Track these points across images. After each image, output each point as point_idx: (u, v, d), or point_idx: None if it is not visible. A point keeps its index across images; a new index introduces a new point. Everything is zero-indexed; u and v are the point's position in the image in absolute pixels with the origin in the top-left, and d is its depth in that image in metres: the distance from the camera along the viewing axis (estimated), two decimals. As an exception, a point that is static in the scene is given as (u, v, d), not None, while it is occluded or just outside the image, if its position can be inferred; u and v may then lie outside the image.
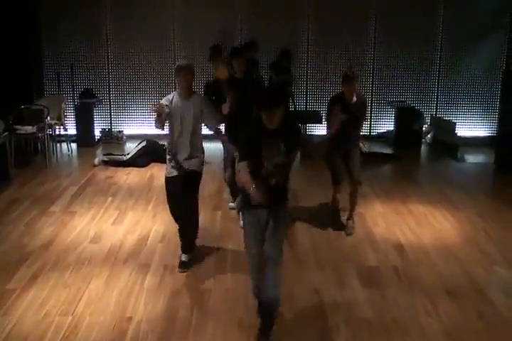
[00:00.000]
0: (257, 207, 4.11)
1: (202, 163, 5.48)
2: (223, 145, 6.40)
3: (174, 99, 5.36)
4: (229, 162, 6.63)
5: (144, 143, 9.05)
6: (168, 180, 5.44)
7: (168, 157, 5.42)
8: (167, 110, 5.20)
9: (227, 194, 7.52)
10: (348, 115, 5.89)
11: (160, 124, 5.24)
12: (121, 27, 10.52)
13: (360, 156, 6.45)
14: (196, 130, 5.39)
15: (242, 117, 5.86)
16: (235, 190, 6.80)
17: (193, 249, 5.55)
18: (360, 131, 6.70)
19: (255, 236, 4.18)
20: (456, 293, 4.90)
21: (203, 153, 5.50)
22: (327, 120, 6.40)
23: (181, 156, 5.35)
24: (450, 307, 4.65)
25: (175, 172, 5.37)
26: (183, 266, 5.35)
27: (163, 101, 5.35)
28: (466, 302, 4.74)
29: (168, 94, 5.59)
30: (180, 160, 5.35)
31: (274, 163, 4.09)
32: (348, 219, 6.48)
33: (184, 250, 5.45)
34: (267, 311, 4.16)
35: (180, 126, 5.32)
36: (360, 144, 6.80)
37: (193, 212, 5.50)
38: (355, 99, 6.28)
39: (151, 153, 8.98)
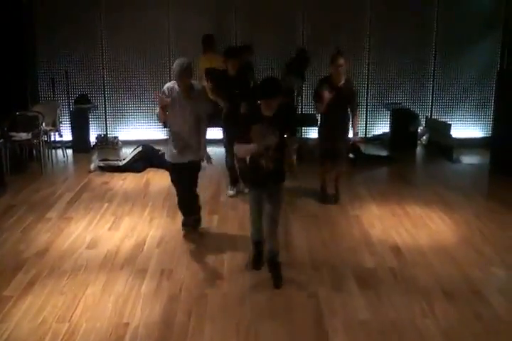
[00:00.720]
0: (256, 185, 4.99)
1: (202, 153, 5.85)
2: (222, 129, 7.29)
3: (175, 90, 5.64)
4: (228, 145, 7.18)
5: (139, 149, 9.04)
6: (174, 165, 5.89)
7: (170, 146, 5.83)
8: (168, 99, 5.55)
9: (224, 198, 7.54)
10: (336, 95, 6.28)
11: (162, 117, 5.64)
12: (116, 33, 10.52)
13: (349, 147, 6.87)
14: (196, 122, 5.73)
15: (235, 112, 6.75)
16: (234, 174, 7.52)
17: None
18: (350, 117, 7.07)
19: (257, 205, 5.09)
20: (453, 294, 4.90)
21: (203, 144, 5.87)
22: (314, 100, 6.68)
23: (180, 147, 5.74)
24: (447, 309, 4.65)
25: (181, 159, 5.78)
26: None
27: (165, 89, 5.69)
28: (464, 304, 4.74)
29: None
30: (179, 150, 5.76)
31: (266, 145, 4.74)
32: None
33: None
34: (272, 259, 5.12)
35: (182, 118, 5.66)
36: (358, 139, 7.08)
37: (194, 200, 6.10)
38: (343, 81, 6.47)
39: (146, 158, 8.99)
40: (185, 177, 5.89)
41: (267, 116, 4.79)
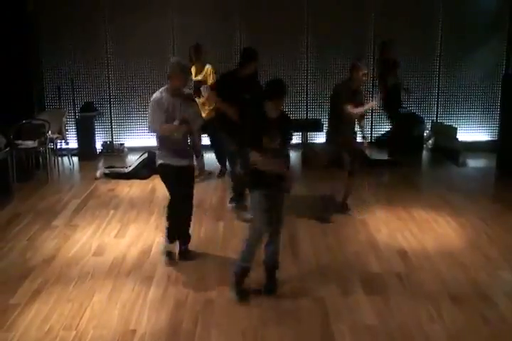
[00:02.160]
0: (263, 189, 4.83)
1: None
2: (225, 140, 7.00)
3: (164, 96, 5.51)
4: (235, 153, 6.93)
5: (145, 155, 9.05)
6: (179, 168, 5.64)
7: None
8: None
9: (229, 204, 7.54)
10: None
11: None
12: (121, 40, 10.55)
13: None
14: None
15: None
16: (237, 184, 7.14)
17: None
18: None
19: (266, 216, 4.86)
20: (461, 298, 4.88)
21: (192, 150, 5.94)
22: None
23: (171, 151, 5.54)
24: (454, 313, 4.63)
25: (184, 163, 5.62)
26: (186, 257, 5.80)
27: (156, 97, 5.50)
28: (471, 308, 4.72)
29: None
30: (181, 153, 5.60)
31: (271, 147, 4.76)
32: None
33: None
34: (270, 272, 5.05)
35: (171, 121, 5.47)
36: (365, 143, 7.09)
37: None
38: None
39: (152, 164, 8.97)
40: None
41: (272, 118, 4.81)
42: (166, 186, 5.71)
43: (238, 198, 7.18)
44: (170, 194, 5.70)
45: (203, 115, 7.20)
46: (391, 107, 9.90)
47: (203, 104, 8.17)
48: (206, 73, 8.60)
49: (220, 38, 10.48)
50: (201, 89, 8.28)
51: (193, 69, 8.36)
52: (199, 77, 8.60)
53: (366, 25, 10.75)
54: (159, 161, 5.61)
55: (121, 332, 4.41)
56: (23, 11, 9.67)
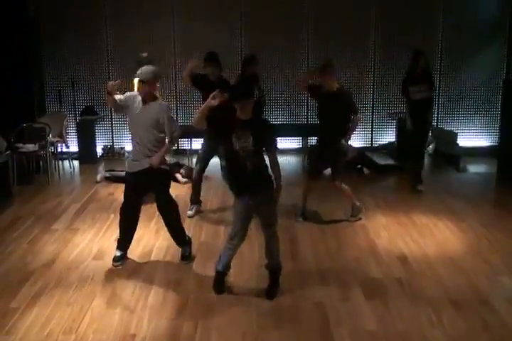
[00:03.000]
0: (243, 194, 4.82)
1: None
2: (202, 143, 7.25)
3: (137, 100, 5.58)
4: (201, 158, 7.22)
5: None
6: (127, 175, 5.74)
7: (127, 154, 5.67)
8: (119, 96, 5.62)
9: (229, 208, 7.53)
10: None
11: (110, 103, 5.66)
12: (122, 44, 10.57)
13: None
14: (153, 136, 5.51)
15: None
16: (197, 189, 7.33)
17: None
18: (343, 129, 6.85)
19: (242, 219, 4.92)
20: (461, 303, 4.87)
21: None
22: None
23: (134, 157, 5.60)
24: (455, 319, 4.63)
25: (134, 168, 5.61)
26: (185, 259, 5.83)
27: (127, 94, 5.72)
28: (471, 313, 4.71)
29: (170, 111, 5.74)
30: (134, 159, 5.61)
31: (242, 147, 4.66)
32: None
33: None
34: (274, 275, 5.11)
35: (138, 129, 5.53)
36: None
37: (167, 208, 5.85)
38: (335, 89, 6.71)
39: None
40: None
41: (243, 120, 4.69)
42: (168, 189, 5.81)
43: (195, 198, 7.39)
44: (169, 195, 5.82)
45: None
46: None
47: None
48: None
49: (221, 40, 10.48)
50: None
51: None
52: None
53: (367, 29, 10.76)
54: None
55: (121, 336, 4.40)
56: (25, 14, 9.69)
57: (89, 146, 10.32)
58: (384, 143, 11.10)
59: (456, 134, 10.18)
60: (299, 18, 10.68)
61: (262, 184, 4.86)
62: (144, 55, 9.52)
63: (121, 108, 5.66)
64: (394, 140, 10.82)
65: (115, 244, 6.01)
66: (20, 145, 8.78)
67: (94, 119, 10.51)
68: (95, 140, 10.47)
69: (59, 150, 9.99)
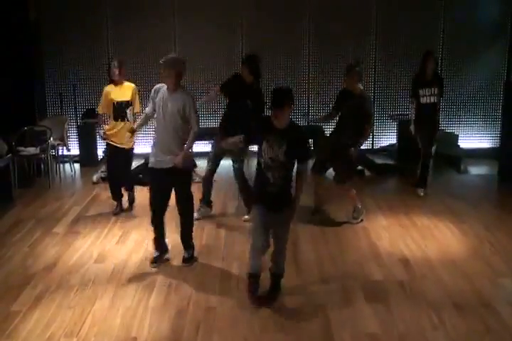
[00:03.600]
0: (265, 203, 4.74)
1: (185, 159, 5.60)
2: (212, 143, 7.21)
3: (162, 90, 5.59)
4: (212, 159, 7.12)
5: (142, 161, 8.96)
6: (151, 170, 5.71)
7: (152, 148, 5.69)
8: (148, 109, 5.81)
9: (231, 209, 7.54)
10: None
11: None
12: (123, 47, 10.56)
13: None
14: (178, 125, 5.51)
15: (236, 118, 6.66)
16: (208, 188, 7.29)
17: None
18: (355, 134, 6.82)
19: (262, 233, 4.79)
20: (463, 306, 4.87)
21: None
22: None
23: (162, 151, 5.56)
24: (457, 321, 4.62)
25: (157, 165, 5.62)
26: (186, 261, 5.81)
27: (152, 91, 5.70)
28: (473, 316, 4.70)
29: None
30: (160, 154, 5.57)
31: (271, 156, 4.58)
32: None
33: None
34: (276, 279, 5.06)
35: (163, 119, 5.52)
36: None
37: (186, 207, 5.80)
38: (357, 92, 6.70)
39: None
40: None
41: (278, 129, 4.60)
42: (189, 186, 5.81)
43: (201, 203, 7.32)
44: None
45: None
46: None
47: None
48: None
49: (222, 43, 10.49)
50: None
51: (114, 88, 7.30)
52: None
53: (367, 29, 10.77)
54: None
55: (122, 340, 4.40)
56: (26, 18, 9.71)
57: (90, 149, 10.30)
58: (385, 144, 11.09)
59: (457, 136, 10.17)
60: (299, 19, 10.67)
61: (283, 201, 4.79)
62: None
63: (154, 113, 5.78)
64: (395, 142, 10.80)
65: (116, 247, 6.02)
66: (22, 148, 8.78)
67: (95, 122, 10.49)
68: (96, 143, 10.45)
69: (60, 153, 9.97)
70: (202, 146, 9.72)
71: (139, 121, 6.26)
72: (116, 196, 7.48)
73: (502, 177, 8.94)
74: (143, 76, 10.65)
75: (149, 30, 10.46)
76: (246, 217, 7.07)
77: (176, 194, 5.76)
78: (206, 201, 7.28)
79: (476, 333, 4.45)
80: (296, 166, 4.82)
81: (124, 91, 7.16)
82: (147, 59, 10.57)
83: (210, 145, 7.38)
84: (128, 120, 7.11)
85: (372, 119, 6.85)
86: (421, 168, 8.27)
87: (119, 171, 7.31)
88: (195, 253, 5.95)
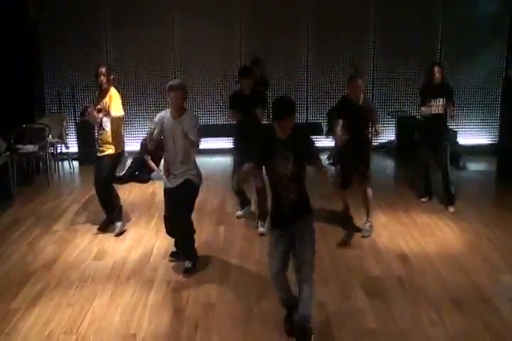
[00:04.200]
0: (281, 227, 4.33)
1: (196, 178, 5.59)
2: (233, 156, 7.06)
3: (166, 117, 5.54)
4: (237, 170, 6.78)
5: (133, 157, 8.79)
6: (165, 190, 5.71)
7: (164, 172, 5.67)
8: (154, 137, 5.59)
9: (230, 208, 7.54)
10: (355, 114, 6.28)
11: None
12: (122, 46, 10.57)
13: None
14: (188, 150, 5.48)
15: (248, 129, 6.61)
16: (241, 198, 7.22)
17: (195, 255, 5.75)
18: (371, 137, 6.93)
19: (278, 257, 4.32)
20: (462, 302, 4.87)
21: (197, 171, 5.61)
22: (328, 121, 6.95)
23: (174, 172, 5.53)
24: (456, 317, 4.63)
25: (169, 185, 5.58)
26: (186, 272, 5.56)
27: (156, 118, 5.62)
28: (472, 312, 4.71)
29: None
30: (173, 176, 5.54)
31: (281, 174, 4.27)
32: (365, 222, 6.67)
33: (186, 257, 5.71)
34: (301, 328, 4.25)
35: (173, 144, 5.48)
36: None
37: (186, 225, 5.67)
38: (361, 100, 6.44)
39: (142, 165, 8.68)
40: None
41: (281, 139, 4.31)
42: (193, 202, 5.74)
43: (242, 206, 7.29)
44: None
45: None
46: None
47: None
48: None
49: (220, 43, 10.49)
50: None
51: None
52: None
53: (366, 28, 10.77)
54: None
55: (121, 337, 4.40)
56: (25, 17, 9.70)
57: (89, 147, 10.28)
58: (384, 141, 11.10)
59: (455, 132, 10.17)
60: (298, 19, 10.68)
61: (301, 212, 4.39)
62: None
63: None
64: (393, 138, 10.82)
65: (115, 244, 6.02)
66: (20, 146, 8.78)
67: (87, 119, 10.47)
68: (95, 141, 10.43)
69: (59, 151, 9.98)
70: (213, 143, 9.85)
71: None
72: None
73: (500, 174, 8.95)
74: (140, 76, 10.67)
75: (148, 30, 10.46)
76: (239, 212, 7.21)
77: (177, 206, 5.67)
78: (244, 203, 7.26)
79: (474, 329, 4.46)
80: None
81: (103, 99, 6.56)
82: (145, 58, 10.57)
83: (234, 149, 7.20)
84: (103, 128, 6.51)
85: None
86: (445, 185, 7.68)
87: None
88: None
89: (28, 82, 9.82)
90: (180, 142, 5.41)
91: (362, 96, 6.50)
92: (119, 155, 6.63)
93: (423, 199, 7.87)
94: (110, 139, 6.41)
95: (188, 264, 5.61)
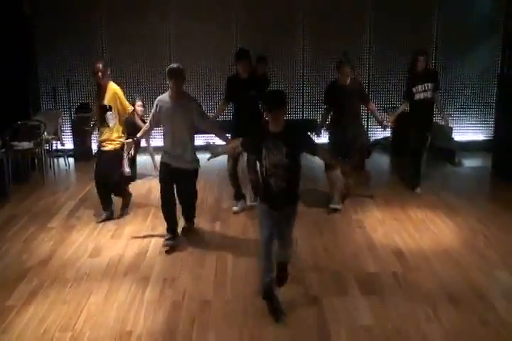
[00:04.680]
0: (270, 205, 4.61)
1: (194, 160, 6.08)
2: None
3: (165, 100, 5.91)
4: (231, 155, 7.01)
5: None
6: (162, 164, 6.13)
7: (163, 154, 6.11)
8: (153, 117, 6.09)
9: (226, 204, 7.53)
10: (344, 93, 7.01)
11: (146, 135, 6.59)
12: (118, 42, 10.55)
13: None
14: (186, 132, 5.90)
15: (247, 114, 6.80)
16: (236, 189, 7.33)
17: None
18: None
19: (268, 226, 4.62)
20: (457, 298, 4.88)
21: (193, 155, 6.06)
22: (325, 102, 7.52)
23: (172, 155, 5.96)
24: (451, 313, 4.63)
25: (169, 162, 6.06)
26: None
27: (156, 101, 5.98)
28: (468, 308, 4.72)
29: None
30: (172, 158, 5.98)
31: (273, 163, 4.44)
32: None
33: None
34: (281, 267, 4.87)
35: (171, 127, 5.88)
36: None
37: (191, 199, 6.43)
38: (348, 81, 7.06)
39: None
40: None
41: (275, 132, 4.44)
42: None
43: (238, 200, 7.34)
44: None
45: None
46: None
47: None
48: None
49: (216, 42, 10.47)
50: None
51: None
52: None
53: (362, 25, 10.77)
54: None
55: (117, 333, 4.40)
56: (20, 13, 9.66)
57: (85, 144, 10.29)
58: (379, 138, 11.11)
59: (451, 129, 10.18)
60: (294, 19, 10.68)
61: (287, 201, 4.65)
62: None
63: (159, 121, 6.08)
64: (389, 135, 10.82)
65: (111, 241, 6.03)
66: (15, 143, 8.74)
67: (90, 116, 10.45)
68: (90, 137, 10.42)
69: (54, 147, 9.96)
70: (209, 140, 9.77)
71: (140, 132, 6.36)
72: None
73: (496, 170, 8.97)
74: (136, 74, 10.65)
75: (143, 26, 10.45)
76: (235, 208, 7.29)
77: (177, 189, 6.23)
78: (239, 197, 7.32)
79: (470, 324, 4.47)
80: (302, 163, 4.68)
81: (104, 95, 6.73)
82: (140, 55, 10.55)
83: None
84: (108, 125, 6.69)
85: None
86: (415, 168, 8.14)
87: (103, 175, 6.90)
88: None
89: (23, 78, 9.79)
90: (179, 124, 5.83)
91: (349, 79, 7.06)
92: (122, 150, 6.85)
93: (417, 191, 7.94)
94: (113, 136, 6.66)
95: (187, 224, 6.43)
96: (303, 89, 11.01)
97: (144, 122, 7.36)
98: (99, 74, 6.63)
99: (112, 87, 6.69)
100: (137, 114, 7.92)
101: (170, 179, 6.08)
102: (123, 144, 6.69)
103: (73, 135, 10.34)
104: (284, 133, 4.44)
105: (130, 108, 6.81)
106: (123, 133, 6.78)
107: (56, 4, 10.26)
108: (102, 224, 6.83)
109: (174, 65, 5.88)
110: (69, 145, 10.31)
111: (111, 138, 6.68)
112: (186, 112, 5.85)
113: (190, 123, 5.90)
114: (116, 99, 6.64)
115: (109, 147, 6.69)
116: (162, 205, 6.20)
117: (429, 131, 8.04)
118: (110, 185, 6.92)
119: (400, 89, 10.91)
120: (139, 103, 8.43)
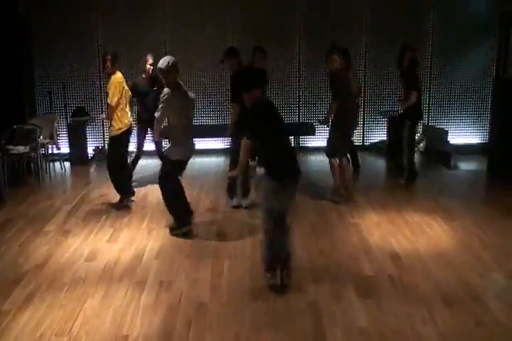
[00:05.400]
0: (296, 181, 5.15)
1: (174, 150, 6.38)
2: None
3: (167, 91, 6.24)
4: (232, 152, 7.28)
5: None
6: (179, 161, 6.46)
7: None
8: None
9: (222, 208, 7.54)
10: None
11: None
12: (114, 45, 10.51)
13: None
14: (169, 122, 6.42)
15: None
16: (230, 192, 7.57)
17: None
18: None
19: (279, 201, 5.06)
20: (453, 301, 4.89)
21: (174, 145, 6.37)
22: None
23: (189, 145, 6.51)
24: (447, 316, 4.64)
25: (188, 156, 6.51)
26: None
27: (164, 97, 6.22)
28: (464, 310, 4.73)
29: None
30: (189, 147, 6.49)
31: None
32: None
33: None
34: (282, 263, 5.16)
35: (187, 117, 6.46)
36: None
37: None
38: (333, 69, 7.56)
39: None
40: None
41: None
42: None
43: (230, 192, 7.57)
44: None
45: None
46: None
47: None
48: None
49: (213, 43, 10.49)
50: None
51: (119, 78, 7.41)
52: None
53: (358, 28, 10.81)
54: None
55: (113, 337, 4.39)
56: (15, 15, 9.65)
57: (81, 148, 10.29)
58: (375, 141, 11.14)
59: (446, 132, 10.22)
60: (289, 20, 10.71)
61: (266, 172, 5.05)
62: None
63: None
64: (385, 138, 10.85)
65: (107, 245, 6.03)
66: (11, 147, 8.74)
67: (85, 120, 10.48)
68: (86, 141, 10.44)
69: (50, 151, 9.96)
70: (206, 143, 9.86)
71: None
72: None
73: (491, 173, 8.99)
74: (131, 76, 10.63)
75: (140, 28, 10.46)
76: (233, 203, 7.54)
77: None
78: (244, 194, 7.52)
79: (466, 327, 4.47)
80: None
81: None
82: (137, 57, 10.52)
83: (230, 149, 7.60)
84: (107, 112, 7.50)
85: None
86: (409, 162, 8.59)
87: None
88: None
89: (19, 81, 9.77)
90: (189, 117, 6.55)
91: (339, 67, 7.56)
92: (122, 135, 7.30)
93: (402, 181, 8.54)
94: (111, 123, 7.27)
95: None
96: (299, 92, 11.03)
97: (154, 80, 8.21)
98: (108, 63, 7.22)
99: (113, 77, 7.25)
100: (146, 72, 8.51)
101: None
102: (121, 130, 7.24)
103: (69, 139, 10.33)
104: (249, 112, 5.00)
105: (113, 101, 7.15)
106: (120, 120, 7.23)
107: (51, 7, 10.28)
108: (97, 228, 6.82)
109: (163, 63, 6.20)
110: (65, 149, 10.30)
111: (111, 124, 7.28)
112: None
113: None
114: (109, 88, 7.21)
115: (111, 133, 7.33)
116: (181, 199, 6.49)
117: (407, 117, 8.57)
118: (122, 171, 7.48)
119: (395, 90, 10.95)
120: (150, 61, 8.49)
